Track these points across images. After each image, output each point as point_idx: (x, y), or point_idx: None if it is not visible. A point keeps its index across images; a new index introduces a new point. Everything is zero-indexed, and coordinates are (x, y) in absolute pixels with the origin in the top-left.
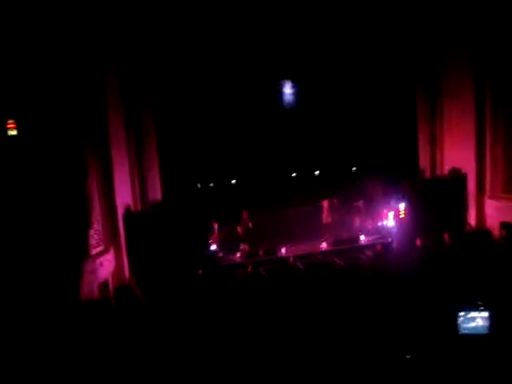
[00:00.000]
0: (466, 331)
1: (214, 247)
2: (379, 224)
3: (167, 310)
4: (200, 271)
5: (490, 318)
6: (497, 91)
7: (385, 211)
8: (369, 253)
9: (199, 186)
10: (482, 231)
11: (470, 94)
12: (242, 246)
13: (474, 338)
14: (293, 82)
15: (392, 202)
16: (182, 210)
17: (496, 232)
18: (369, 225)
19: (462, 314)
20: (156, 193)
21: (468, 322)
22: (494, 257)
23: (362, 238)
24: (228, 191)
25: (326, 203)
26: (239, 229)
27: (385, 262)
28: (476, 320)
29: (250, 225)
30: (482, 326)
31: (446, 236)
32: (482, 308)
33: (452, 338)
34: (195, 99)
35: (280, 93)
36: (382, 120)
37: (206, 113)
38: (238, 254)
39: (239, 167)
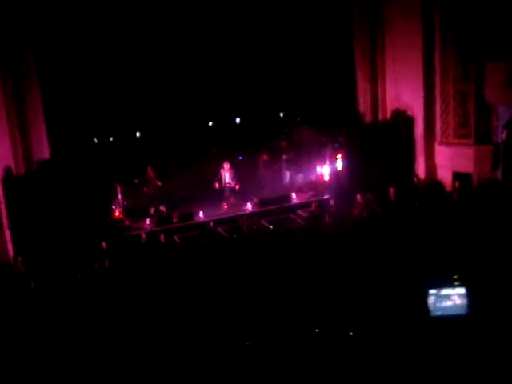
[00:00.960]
0: (440, 313)
1: (117, 213)
2: (313, 179)
3: (60, 293)
4: (103, 244)
5: (468, 294)
6: (448, 15)
7: (319, 164)
8: (302, 213)
9: (96, 140)
10: (433, 184)
11: (416, 20)
12: (160, 207)
13: (448, 320)
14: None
15: (327, 153)
16: (75, 170)
17: (448, 184)
18: (301, 180)
19: (432, 291)
20: (43, 150)
21: (441, 302)
22: (450, 215)
23: (294, 196)
24: (132, 146)
25: (226, 165)
26: (146, 190)
27: (321, 223)
28: (452, 298)
29: (159, 183)
30: (459, 305)
31: (391, 190)
32: (458, 283)
33: (420, 320)
34: (86, 42)
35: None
36: (314, 55)
37: (101, 56)
38: (148, 221)
39: (144, 117)
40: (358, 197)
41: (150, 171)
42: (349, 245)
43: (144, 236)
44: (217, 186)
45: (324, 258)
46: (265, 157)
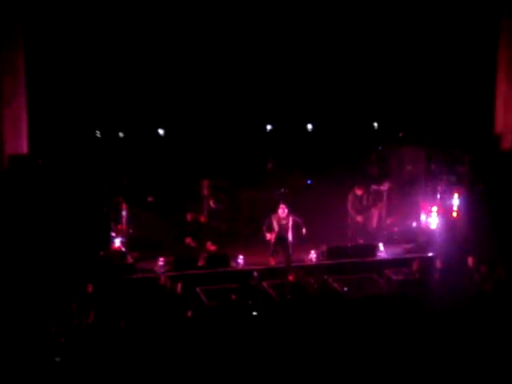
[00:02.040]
0: None
1: (118, 242)
2: (413, 226)
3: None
4: (89, 287)
5: None
6: None
7: (425, 205)
8: (393, 275)
9: (99, 134)
10: None
11: None
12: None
13: None
14: None
15: (439, 189)
16: (61, 173)
17: None
18: (395, 226)
19: None
20: (20, 142)
21: None
22: None
23: (382, 248)
24: (151, 146)
25: (282, 209)
26: (189, 217)
27: (421, 291)
28: None
29: (213, 205)
30: None
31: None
32: None
33: None
34: (79, 26)
35: None
36: (437, 54)
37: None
38: (161, 261)
39: (172, 111)
40: (470, 260)
41: (205, 184)
42: (457, 326)
43: (162, 279)
44: (268, 237)
45: (422, 340)
46: (358, 191)
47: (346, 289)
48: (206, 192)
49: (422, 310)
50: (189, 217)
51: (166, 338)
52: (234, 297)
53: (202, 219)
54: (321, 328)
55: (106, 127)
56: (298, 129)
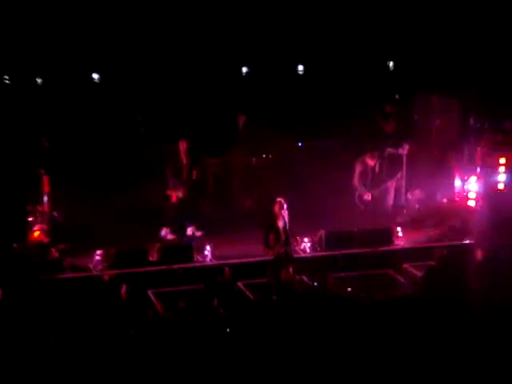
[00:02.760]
0: None
1: (38, 231)
2: (444, 202)
3: None
4: None
5: None
6: None
7: (461, 174)
8: (417, 272)
9: (8, 80)
10: None
11: None
12: (162, 232)
13: None
14: None
15: (479, 152)
16: None
17: None
18: (418, 203)
19: None
20: None
21: None
22: None
23: (400, 233)
24: (79, 97)
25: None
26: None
27: (457, 297)
28: None
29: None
30: None
31: None
32: None
33: None
34: None
35: None
36: None
37: None
38: (98, 255)
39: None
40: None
41: (182, 145)
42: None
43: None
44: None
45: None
46: (370, 160)
47: (349, 289)
48: (184, 159)
49: (458, 320)
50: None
51: (104, 362)
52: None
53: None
54: (315, 346)
55: (18, 71)
56: (285, 71)
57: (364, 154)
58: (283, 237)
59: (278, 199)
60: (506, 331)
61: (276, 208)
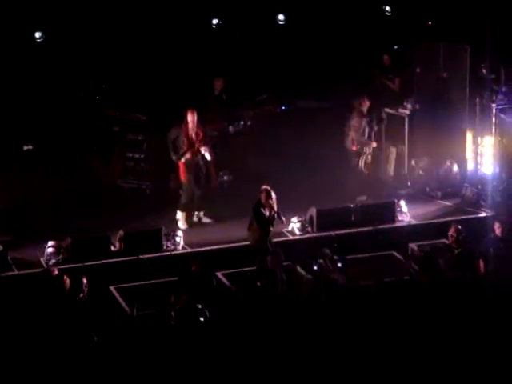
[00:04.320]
0: None
1: None
2: (455, 170)
3: None
4: None
5: None
6: None
7: (474, 135)
8: (418, 251)
9: None
10: None
11: None
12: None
13: None
14: None
15: (495, 111)
16: None
17: None
18: (424, 172)
19: None
20: None
21: None
22: None
23: (404, 208)
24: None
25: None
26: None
27: (473, 281)
28: None
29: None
30: None
31: None
32: None
33: None
34: None
35: None
36: None
37: None
38: (51, 247)
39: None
40: None
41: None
42: None
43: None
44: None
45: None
46: (364, 104)
47: (342, 278)
48: (193, 132)
49: (475, 309)
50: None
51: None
52: (172, 299)
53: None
54: (306, 342)
55: None
56: (264, 22)
57: (357, 100)
58: (269, 228)
59: (264, 187)
60: None
61: (262, 197)
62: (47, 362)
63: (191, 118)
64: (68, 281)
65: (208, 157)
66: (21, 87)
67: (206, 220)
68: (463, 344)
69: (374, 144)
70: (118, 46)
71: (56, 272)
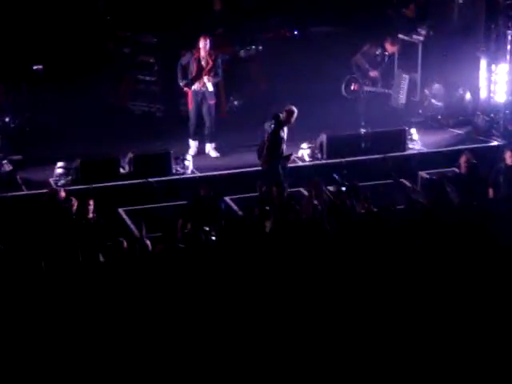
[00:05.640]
0: None
1: None
2: (467, 98)
3: None
4: None
5: None
6: None
7: (488, 63)
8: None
9: None
10: None
11: None
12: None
13: None
14: None
15: (510, 38)
16: None
17: None
18: (439, 99)
19: None
20: None
21: None
22: None
23: (415, 136)
24: None
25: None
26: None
27: (487, 211)
28: None
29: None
30: None
31: None
32: None
33: None
34: None
35: None
36: None
37: None
38: (60, 169)
39: None
40: None
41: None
42: None
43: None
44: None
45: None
46: (389, 46)
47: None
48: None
49: (487, 242)
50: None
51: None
52: (180, 222)
53: None
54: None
55: None
56: None
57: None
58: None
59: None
60: None
61: (286, 117)
62: (50, 285)
63: (203, 45)
64: (76, 204)
65: (210, 87)
66: (31, 7)
67: (213, 154)
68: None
69: (374, 73)
70: None
71: (63, 194)
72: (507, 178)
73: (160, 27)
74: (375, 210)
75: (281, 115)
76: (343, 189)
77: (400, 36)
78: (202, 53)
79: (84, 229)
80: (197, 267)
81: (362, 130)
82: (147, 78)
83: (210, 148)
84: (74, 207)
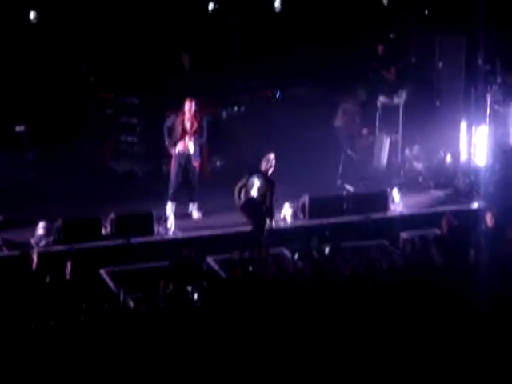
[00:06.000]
0: None
1: None
2: (448, 161)
3: None
4: None
5: None
6: None
7: (469, 125)
8: (417, 242)
9: None
10: None
11: None
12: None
13: None
14: None
15: (490, 102)
16: None
17: None
18: (420, 161)
19: None
20: None
21: None
22: None
23: (397, 198)
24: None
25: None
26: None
27: (465, 274)
28: None
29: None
30: None
31: None
32: None
33: None
34: None
35: None
36: None
37: None
38: (41, 229)
39: None
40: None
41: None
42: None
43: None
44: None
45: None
46: (349, 104)
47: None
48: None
49: (464, 306)
50: None
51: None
52: (162, 283)
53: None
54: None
55: None
56: (258, 7)
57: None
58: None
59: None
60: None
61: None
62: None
63: (188, 107)
64: (36, 261)
65: (191, 149)
66: (15, 68)
67: (196, 215)
68: (450, 330)
69: (366, 131)
70: (113, 28)
71: (35, 255)
72: (488, 240)
73: (142, 89)
74: (360, 270)
75: (263, 165)
76: (327, 250)
77: (381, 99)
78: (187, 115)
79: (61, 290)
80: (179, 328)
81: (344, 192)
82: (130, 139)
83: (192, 208)
84: (34, 266)
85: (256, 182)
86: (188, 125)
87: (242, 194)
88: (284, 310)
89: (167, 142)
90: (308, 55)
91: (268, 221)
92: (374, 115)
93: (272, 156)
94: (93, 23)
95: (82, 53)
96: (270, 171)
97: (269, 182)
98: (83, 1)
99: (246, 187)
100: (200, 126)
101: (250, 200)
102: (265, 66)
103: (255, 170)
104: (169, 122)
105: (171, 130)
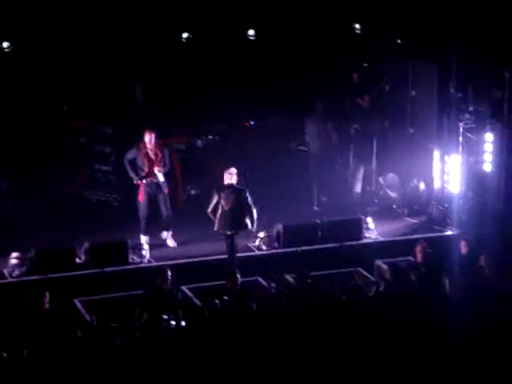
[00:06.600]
0: None
1: None
2: (422, 188)
3: None
4: None
5: None
6: None
7: (441, 153)
8: (391, 270)
9: None
10: None
11: None
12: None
13: None
14: None
15: (462, 129)
16: None
17: None
18: (393, 188)
19: None
20: None
21: None
22: None
23: (371, 225)
24: None
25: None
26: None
27: (438, 302)
28: None
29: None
30: None
31: None
32: None
33: None
34: None
35: None
36: None
37: None
38: (15, 259)
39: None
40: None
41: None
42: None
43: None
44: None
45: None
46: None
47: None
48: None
49: (438, 334)
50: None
51: None
52: (136, 312)
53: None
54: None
55: None
56: (234, 37)
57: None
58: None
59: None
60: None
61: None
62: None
63: (149, 139)
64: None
65: (161, 177)
66: None
67: (171, 243)
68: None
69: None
70: (87, 57)
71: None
72: (462, 268)
73: (116, 117)
74: (335, 297)
75: (226, 179)
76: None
77: (355, 127)
78: (149, 146)
79: (35, 320)
80: (154, 357)
81: (318, 220)
82: (104, 168)
83: (167, 236)
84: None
85: (228, 196)
86: (152, 155)
87: (219, 212)
88: (261, 338)
89: (132, 175)
90: (282, 84)
91: (250, 225)
92: (347, 142)
93: (232, 169)
94: (67, 52)
95: (56, 81)
96: (235, 181)
97: (239, 190)
98: (57, 30)
99: (219, 203)
100: (163, 155)
101: (227, 213)
102: (240, 95)
103: (222, 187)
104: (129, 156)
105: (133, 162)
